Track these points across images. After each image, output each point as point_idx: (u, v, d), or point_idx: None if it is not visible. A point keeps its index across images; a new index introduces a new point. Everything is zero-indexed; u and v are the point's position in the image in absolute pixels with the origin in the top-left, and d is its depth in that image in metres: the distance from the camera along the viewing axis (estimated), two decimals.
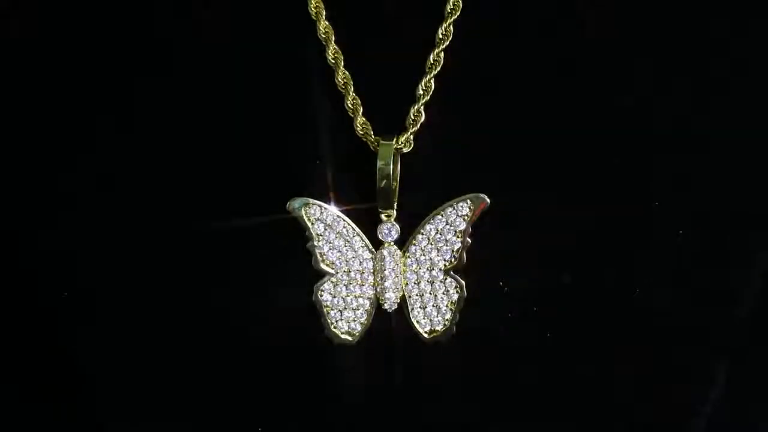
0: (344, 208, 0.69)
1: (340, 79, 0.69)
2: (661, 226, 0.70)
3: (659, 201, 0.70)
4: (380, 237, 0.69)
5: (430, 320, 0.70)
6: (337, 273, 0.69)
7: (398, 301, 0.69)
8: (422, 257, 0.69)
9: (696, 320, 0.72)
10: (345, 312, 0.70)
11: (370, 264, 0.69)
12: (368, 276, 0.69)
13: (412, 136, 0.69)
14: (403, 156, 0.69)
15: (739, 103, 0.70)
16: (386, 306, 0.69)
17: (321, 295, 0.70)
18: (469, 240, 0.69)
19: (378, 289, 0.69)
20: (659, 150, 0.70)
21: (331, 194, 0.70)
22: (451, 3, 0.69)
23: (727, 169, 0.70)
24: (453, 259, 0.69)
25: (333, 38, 0.69)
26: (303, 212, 0.69)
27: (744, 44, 0.70)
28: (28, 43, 0.70)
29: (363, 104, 0.69)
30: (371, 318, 0.70)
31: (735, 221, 0.71)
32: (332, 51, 0.69)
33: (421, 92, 0.69)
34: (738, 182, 0.70)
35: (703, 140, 0.70)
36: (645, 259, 0.71)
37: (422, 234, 0.69)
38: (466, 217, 0.69)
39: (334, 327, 0.70)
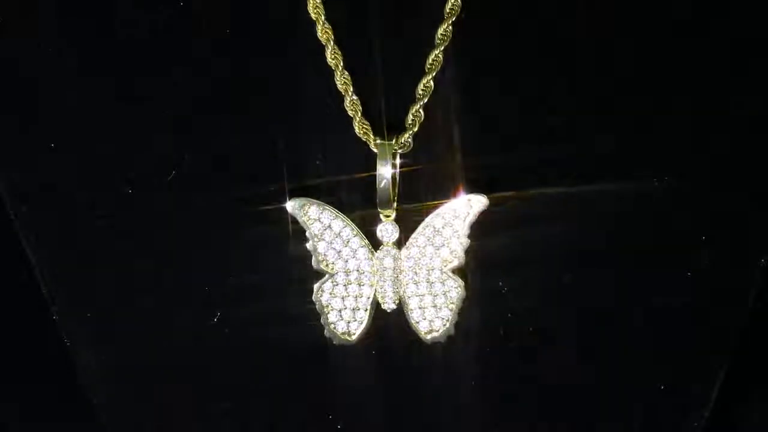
0: (343, 208, 0.69)
1: (339, 80, 0.69)
2: (661, 224, 0.71)
3: (660, 200, 0.70)
4: (379, 237, 0.69)
5: (429, 321, 0.70)
6: (337, 273, 0.70)
7: (397, 301, 0.69)
8: (421, 258, 0.69)
9: (696, 320, 0.72)
10: (344, 312, 0.70)
11: (369, 264, 0.69)
12: (367, 276, 0.69)
13: (411, 137, 0.69)
14: (403, 156, 0.69)
15: (741, 98, 0.70)
16: (385, 306, 0.69)
17: (320, 296, 0.70)
18: (468, 240, 0.69)
19: (377, 290, 0.69)
20: (659, 149, 0.70)
21: (331, 195, 0.70)
22: (450, 3, 0.69)
23: (727, 168, 0.70)
24: (452, 260, 0.69)
25: (332, 39, 0.69)
26: (302, 212, 0.69)
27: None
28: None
29: (362, 105, 0.69)
30: (370, 318, 0.70)
31: (734, 220, 0.71)
32: (331, 52, 0.69)
33: (420, 92, 0.69)
34: (737, 181, 0.71)
35: (704, 140, 0.70)
36: (645, 259, 0.71)
37: (421, 234, 0.69)
38: (465, 218, 0.69)
39: (334, 327, 0.70)
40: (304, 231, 0.69)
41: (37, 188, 0.71)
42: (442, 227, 0.69)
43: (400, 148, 0.69)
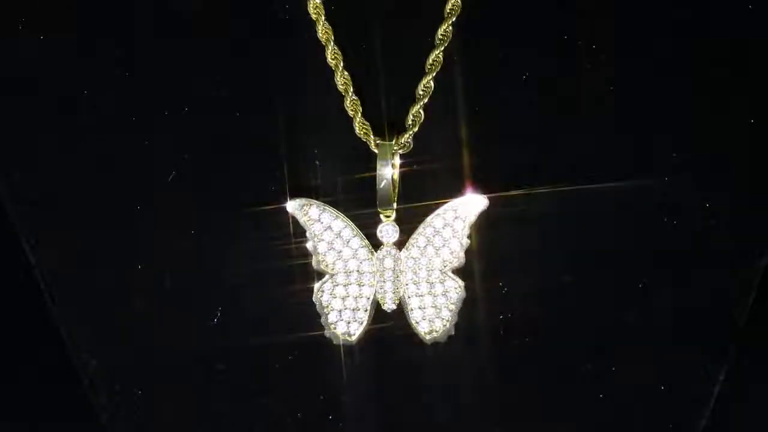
0: (343, 208, 0.69)
1: (339, 80, 0.69)
2: (661, 224, 0.71)
3: (659, 200, 0.70)
4: (380, 238, 0.69)
5: (429, 321, 0.70)
6: (337, 274, 0.70)
7: (397, 301, 0.69)
8: (421, 258, 0.69)
9: (696, 320, 0.72)
10: (344, 312, 0.70)
11: (370, 265, 0.69)
12: (367, 277, 0.69)
13: (411, 137, 0.69)
14: (403, 156, 0.69)
15: (738, 101, 0.70)
16: (386, 307, 0.69)
17: (321, 296, 0.70)
18: (468, 240, 0.69)
19: (377, 290, 0.69)
20: (659, 150, 0.70)
21: (331, 195, 0.70)
22: (450, 3, 0.69)
23: (727, 168, 0.70)
24: (452, 260, 0.69)
25: (332, 39, 0.69)
26: (303, 213, 0.69)
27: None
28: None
29: (363, 105, 0.69)
30: (371, 319, 0.70)
31: (734, 221, 0.71)
32: (332, 52, 0.68)
33: (421, 92, 0.69)
34: (737, 182, 0.71)
35: (704, 140, 0.70)
36: (644, 259, 0.71)
37: (421, 235, 0.69)
38: (465, 218, 0.69)
39: (334, 327, 0.70)
40: (305, 231, 0.69)
41: (38, 188, 0.71)
42: (443, 228, 0.69)
43: (400, 148, 0.69)
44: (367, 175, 0.69)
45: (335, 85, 0.69)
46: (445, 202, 0.69)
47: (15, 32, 0.70)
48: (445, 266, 0.69)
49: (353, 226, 0.69)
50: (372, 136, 0.69)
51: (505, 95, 0.70)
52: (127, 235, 0.71)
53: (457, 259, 0.69)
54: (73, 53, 0.70)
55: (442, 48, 0.69)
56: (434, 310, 0.70)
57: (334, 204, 0.69)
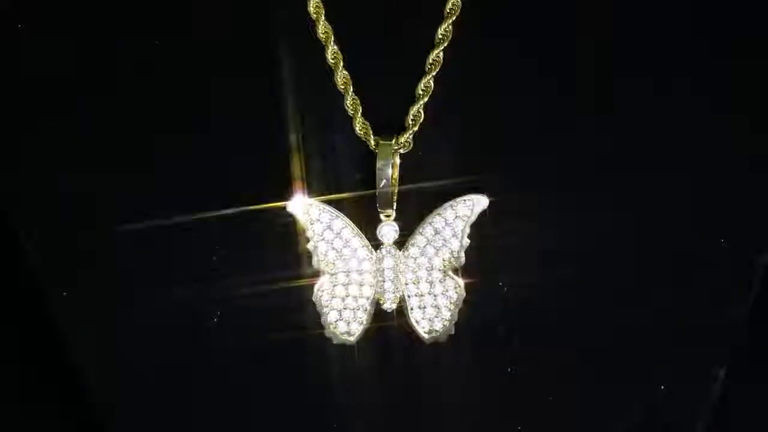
0: (343, 208, 0.69)
1: (339, 80, 0.69)
2: (660, 224, 0.71)
3: (658, 200, 0.70)
4: (379, 237, 0.69)
5: (430, 320, 0.70)
6: (337, 273, 0.70)
7: (397, 301, 0.69)
8: (421, 257, 0.69)
9: (696, 320, 0.72)
10: (344, 312, 0.70)
11: (370, 264, 0.69)
12: (367, 276, 0.69)
13: (411, 137, 0.69)
14: (403, 156, 0.69)
15: (736, 105, 0.70)
16: (385, 306, 0.69)
17: (320, 295, 0.70)
18: (468, 240, 0.69)
19: (377, 290, 0.69)
20: (658, 150, 0.70)
21: (331, 195, 0.70)
22: (450, 3, 0.69)
23: (727, 168, 0.70)
24: (452, 260, 0.69)
25: (332, 38, 0.69)
26: (302, 213, 0.69)
27: None
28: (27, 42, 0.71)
29: (362, 104, 0.69)
30: (370, 318, 0.70)
31: (734, 221, 0.71)
32: (332, 51, 0.69)
33: (421, 92, 0.69)
34: (737, 181, 0.71)
35: (704, 139, 0.70)
36: (645, 259, 0.71)
37: (421, 234, 0.69)
38: (465, 218, 0.69)
39: (334, 327, 0.70)
40: (305, 231, 0.69)
41: (38, 188, 0.71)
42: (443, 227, 0.69)
43: (400, 148, 0.69)
44: (367, 175, 0.69)
45: (335, 85, 0.69)
46: (446, 202, 0.69)
47: (15, 32, 0.70)
48: (444, 266, 0.69)
49: (353, 225, 0.69)
50: (372, 136, 0.69)
51: (506, 95, 0.70)
52: (127, 235, 0.70)
53: (457, 259, 0.69)
54: (73, 53, 0.70)
55: (442, 47, 0.69)
56: (434, 309, 0.70)
57: (334, 204, 0.69)
